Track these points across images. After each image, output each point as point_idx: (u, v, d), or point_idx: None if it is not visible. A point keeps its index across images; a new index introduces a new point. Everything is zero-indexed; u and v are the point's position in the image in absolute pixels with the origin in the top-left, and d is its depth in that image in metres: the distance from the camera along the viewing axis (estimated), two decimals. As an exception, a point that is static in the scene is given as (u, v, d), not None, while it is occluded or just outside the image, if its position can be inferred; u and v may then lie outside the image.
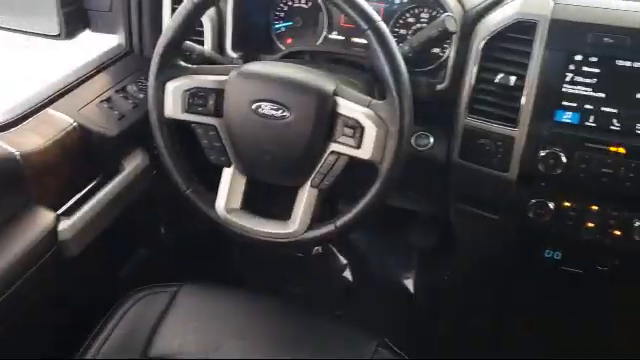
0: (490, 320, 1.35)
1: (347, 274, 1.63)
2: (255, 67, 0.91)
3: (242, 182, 0.95)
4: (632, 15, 0.90)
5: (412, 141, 1.06)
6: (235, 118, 0.90)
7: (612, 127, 0.92)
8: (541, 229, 1.01)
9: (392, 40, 0.83)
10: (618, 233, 0.97)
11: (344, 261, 1.63)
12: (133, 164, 1.15)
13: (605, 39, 0.89)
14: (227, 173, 0.95)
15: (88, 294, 1.15)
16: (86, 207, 1.04)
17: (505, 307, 1.34)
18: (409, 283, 1.59)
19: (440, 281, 1.44)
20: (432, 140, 1.06)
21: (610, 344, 1.32)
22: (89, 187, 1.09)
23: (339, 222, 0.90)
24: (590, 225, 0.99)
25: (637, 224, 0.95)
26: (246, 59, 1.10)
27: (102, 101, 1.14)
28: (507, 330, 1.37)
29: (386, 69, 0.83)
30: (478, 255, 1.24)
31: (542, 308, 1.37)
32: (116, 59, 1.27)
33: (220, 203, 0.95)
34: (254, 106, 0.87)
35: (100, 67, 1.22)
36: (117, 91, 1.17)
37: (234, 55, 1.14)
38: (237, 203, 0.96)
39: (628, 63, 0.89)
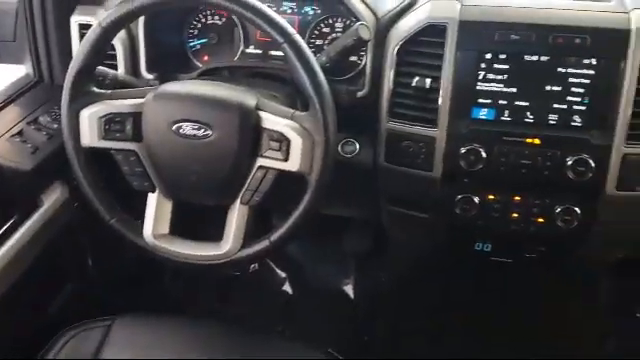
0: (428, 318, 1.38)
1: (287, 287, 1.62)
2: (172, 87, 0.89)
3: (168, 206, 0.93)
4: (536, 12, 0.95)
5: (339, 149, 1.07)
6: (155, 141, 0.88)
7: (526, 120, 0.96)
8: (469, 223, 1.04)
9: (309, 52, 0.84)
10: (541, 220, 1.02)
11: (283, 274, 1.62)
12: (52, 198, 1.10)
13: (512, 36, 0.93)
14: (152, 198, 0.92)
15: (17, 337, 1.09)
16: (4, 249, 0.98)
17: (442, 303, 1.37)
18: (349, 289, 1.60)
19: (378, 284, 1.46)
20: (358, 146, 1.08)
21: (542, 331, 1.38)
22: (6, 227, 1.03)
23: (273, 237, 0.89)
24: (515, 215, 1.02)
25: (558, 210, 0.99)
26: (162, 80, 1.08)
27: (13, 135, 1.08)
28: (446, 326, 1.40)
29: (306, 81, 0.83)
30: (412, 255, 1.27)
31: (477, 301, 1.41)
32: (25, 90, 1.21)
33: (147, 230, 0.92)
34: (174, 127, 0.85)
35: (8, 100, 1.16)
36: (29, 123, 1.12)
37: (149, 77, 1.11)
38: (165, 228, 0.93)
39: (535, 57, 0.93)
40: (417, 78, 0.97)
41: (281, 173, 0.86)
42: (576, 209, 0.99)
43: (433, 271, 1.32)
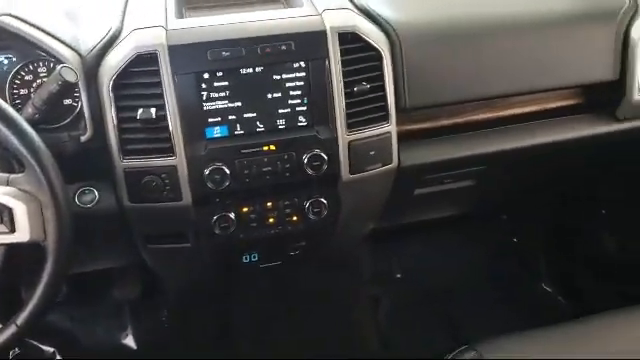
0: (218, 341, 1.37)
1: (59, 360, 1.45)
2: None
3: None
4: (241, 27, 0.98)
5: (75, 201, 0.98)
6: None
7: (258, 129, 0.99)
8: (231, 240, 1.05)
9: (8, 108, 0.75)
10: (296, 219, 1.07)
11: (51, 349, 1.44)
12: None
13: (223, 53, 0.94)
14: None
15: None
16: None
17: (228, 322, 1.37)
18: (129, 340, 1.50)
19: (159, 325, 1.40)
20: (97, 193, 1.00)
21: (324, 310, 1.47)
22: None
23: (20, 320, 0.78)
24: (271, 220, 1.06)
25: (307, 205, 1.05)
26: None
27: None
28: (237, 343, 1.40)
29: (14, 140, 0.74)
30: (185, 285, 1.23)
31: (262, 308, 1.43)
32: None
33: None
34: None
35: None
36: None
37: None
38: None
39: (250, 70, 0.96)
40: (141, 110, 0.93)
41: (12, 247, 0.76)
42: (322, 200, 1.06)
43: (211, 294, 1.31)
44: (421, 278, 1.74)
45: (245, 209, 1.04)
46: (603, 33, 1.12)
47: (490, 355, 0.99)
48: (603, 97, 1.19)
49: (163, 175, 0.96)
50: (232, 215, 1.03)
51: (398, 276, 1.73)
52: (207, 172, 0.96)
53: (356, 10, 1.04)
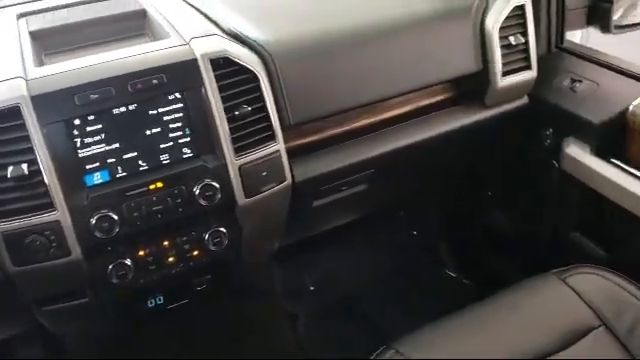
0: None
1: None
2: None
3: None
4: (107, 66, 0.93)
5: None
6: None
7: (141, 169, 0.95)
8: (131, 287, 1.00)
9: None
10: (197, 253, 1.04)
11: None
12: None
13: (91, 96, 0.90)
14: None
15: None
16: None
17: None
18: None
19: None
20: None
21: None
22: None
23: None
24: (171, 260, 1.02)
25: (207, 237, 1.03)
26: None
27: None
28: None
29: None
30: (88, 342, 1.16)
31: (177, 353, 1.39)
32: None
33: None
34: None
35: None
36: None
37: None
38: None
39: (123, 109, 0.92)
40: (11, 168, 0.86)
41: None
42: (222, 229, 1.04)
43: (119, 345, 1.24)
44: (334, 286, 1.76)
45: (141, 253, 1.00)
46: (462, 28, 1.19)
47: (407, 350, 1.01)
48: (472, 88, 1.26)
49: (47, 232, 0.90)
50: (128, 261, 0.98)
51: (311, 289, 1.74)
52: (93, 221, 0.91)
53: (225, 35, 1.04)
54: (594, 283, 1.12)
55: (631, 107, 1.23)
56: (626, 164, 1.24)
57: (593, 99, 1.28)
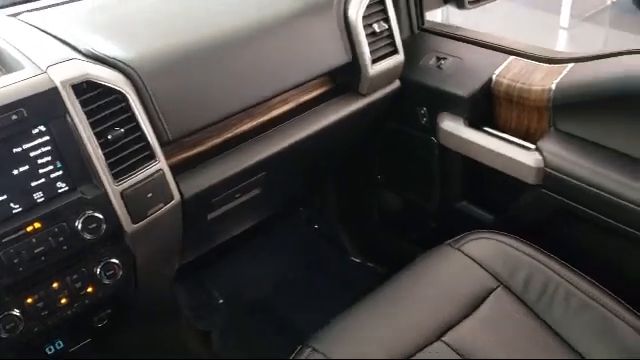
0: None
1: None
2: None
3: None
4: None
5: None
6: None
7: (14, 211, 0.88)
8: (22, 340, 0.93)
9: None
10: (91, 290, 0.99)
11: None
12: None
13: None
14: None
15: None
16: None
17: None
18: None
19: None
20: None
21: None
22: None
23: None
24: (64, 301, 0.96)
25: (99, 271, 0.98)
26: None
27: None
28: None
29: None
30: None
31: None
32: None
33: None
34: None
35: None
36: None
37: None
38: None
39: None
40: None
41: None
42: (114, 260, 0.99)
43: None
44: (244, 295, 1.74)
45: (30, 300, 0.93)
46: (327, 22, 1.21)
47: (324, 346, 1.02)
48: (347, 78, 1.29)
49: None
50: (16, 312, 0.91)
51: (221, 302, 1.71)
52: None
53: (84, 57, 0.98)
54: (487, 247, 1.19)
55: (494, 77, 1.30)
56: (497, 130, 1.33)
57: (459, 74, 1.35)
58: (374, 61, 1.27)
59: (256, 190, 1.28)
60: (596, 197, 1.13)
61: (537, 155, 1.21)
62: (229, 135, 1.17)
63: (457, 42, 1.43)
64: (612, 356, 1.00)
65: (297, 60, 1.18)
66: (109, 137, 0.93)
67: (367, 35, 1.24)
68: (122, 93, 0.94)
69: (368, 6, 1.24)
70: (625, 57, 1.16)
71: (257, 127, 1.20)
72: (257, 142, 1.17)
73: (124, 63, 0.97)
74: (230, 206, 1.25)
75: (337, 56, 1.23)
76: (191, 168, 1.09)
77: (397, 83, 1.37)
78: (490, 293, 1.11)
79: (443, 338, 1.04)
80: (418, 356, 1.01)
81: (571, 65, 1.23)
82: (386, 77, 1.32)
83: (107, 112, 0.93)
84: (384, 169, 1.67)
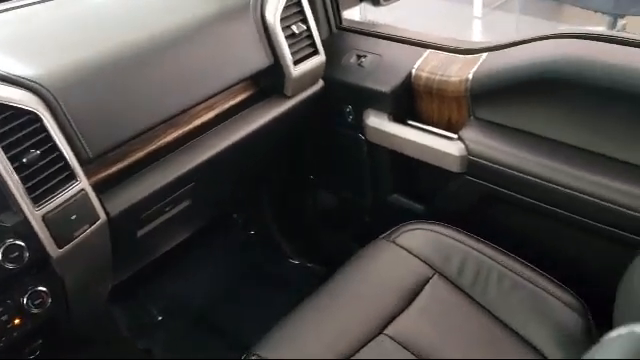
0: None
1: None
2: None
3: None
4: None
5: None
6: None
7: None
8: None
9: None
10: (18, 321, 0.94)
11: None
12: None
13: None
14: None
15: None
16: None
17: None
18: None
19: None
20: None
21: None
22: None
23: None
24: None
25: (25, 301, 0.94)
26: None
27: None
28: None
29: None
30: None
31: None
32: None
33: None
34: None
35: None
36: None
37: None
38: None
39: None
40: None
41: None
42: (41, 288, 0.95)
43: None
44: (184, 309, 1.70)
45: None
46: (245, 26, 1.20)
47: (267, 353, 1.01)
48: (271, 82, 1.28)
49: None
50: None
51: (160, 319, 1.66)
52: None
53: (-10, 79, 0.93)
54: (420, 237, 1.21)
55: (413, 71, 1.33)
56: (421, 122, 1.36)
57: (380, 70, 1.37)
58: (296, 62, 1.27)
59: (186, 201, 1.25)
60: (519, 180, 1.17)
61: (460, 144, 1.25)
62: (154, 147, 1.13)
63: (376, 39, 1.46)
64: (545, 330, 1.04)
65: (218, 66, 1.16)
66: (24, 160, 0.88)
67: (286, 37, 1.24)
68: (35, 113, 0.90)
69: (285, 8, 1.24)
70: (536, 43, 1.21)
71: (182, 137, 1.17)
72: (183, 152, 1.14)
73: (33, 81, 0.93)
74: (160, 220, 1.22)
75: (258, 60, 1.22)
76: (116, 185, 1.06)
77: (321, 83, 1.38)
78: (427, 282, 1.13)
79: (385, 331, 1.05)
80: (363, 352, 1.02)
81: (485, 55, 1.27)
82: (309, 78, 1.32)
83: (20, 134, 0.89)
84: (316, 169, 1.68)
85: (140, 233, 1.19)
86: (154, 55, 1.07)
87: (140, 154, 1.12)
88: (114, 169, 1.08)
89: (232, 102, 1.27)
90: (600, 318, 1.03)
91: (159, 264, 1.50)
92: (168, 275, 1.70)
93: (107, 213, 1.00)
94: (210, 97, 1.17)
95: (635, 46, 1.09)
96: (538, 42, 1.21)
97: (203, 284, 1.76)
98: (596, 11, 3.55)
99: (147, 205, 1.10)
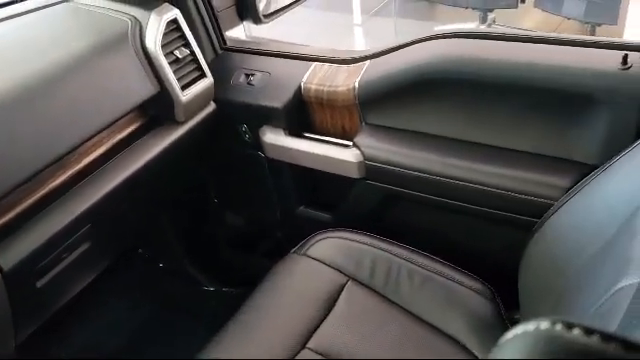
0: None
1: None
2: None
3: None
4: None
5: None
6: None
7: None
8: None
9: None
10: None
11: None
12: None
13: None
14: None
15: None
16: None
17: None
18: None
19: None
20: None
21: None
22: None
23: None
24: None
25: None
26: None
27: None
28: None
29: None
30: None
31: None
32: None
33: None
34: None
35: None
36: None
37: None
38: None
39: None
40: None
41: None
42: None
43: None
44: (96, 352, 1.61)
45: None
46: (125, 56, 1.17)
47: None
48: (161, 109, 1.25)
49: None
50: None
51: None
52: None
53: None
54: (330, 246, 1.23)
55: (302, 84, 1.35)
56: (317, 134, 1.38)
57: (270, 87, 1.38)
58: (184, 87, 1.25)
59: (85, 244, 1.19)
60: (415, 179, 1.22)
61: (355, 150, 1.28)
62: (43, 192, 1.07)
63: (262, 57, 1.46)
64: (460, 319, 1.08)
65: (102, 99, 1.12)
66: None
67: (170, 63, 1.22)
68: None
69: (165, 34, 1.22)
70: (414, 46, 1.27)
71: (73, 177, 1.12)
72: (75, 194, 1.09)
73: None
74: (60, 268, 1.15)
75: (144, 89, 1.19)
76: (6, 237, 0.99)
77: (212, 105, 1.36)
78: (342, 289, 1.15)
79: (308, 345, 1.06)
80: None
81: (368, 62, 1.32)
82: (199, 101, 1.31)
83: None
84: (220, 191, 1.65)
85: (39, 284, 1.12)
86: (33, 94, 1.01)
87: (29, 201, 1.05)
88: (4, 220, 1.01)
89: (122, 135, 1.22)
90: (510, 301, 1.09)
91: (67, 309, 1.42)
92: (78, 319, 1.61)
93: (0, 268, 0.93)
94: (98, 132, 1.12)
95: (504, 40, 1.17)
96: (417, 45, 1.27)
97: (115, 324, 1.68)
98: (466, 7, 3.78)
99: (42, 254, 1.04)
